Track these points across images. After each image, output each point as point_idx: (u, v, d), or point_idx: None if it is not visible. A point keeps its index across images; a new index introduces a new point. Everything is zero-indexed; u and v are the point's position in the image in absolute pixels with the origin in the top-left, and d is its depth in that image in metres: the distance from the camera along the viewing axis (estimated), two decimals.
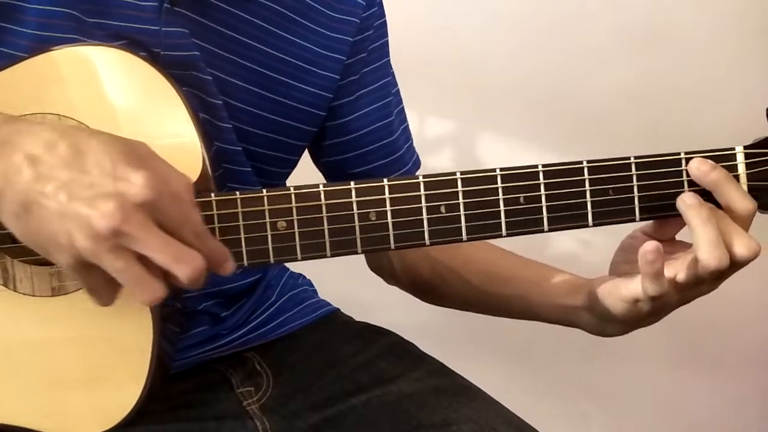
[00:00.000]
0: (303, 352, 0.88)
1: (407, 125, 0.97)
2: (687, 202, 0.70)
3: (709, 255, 0.68)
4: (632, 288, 0.71)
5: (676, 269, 0.70)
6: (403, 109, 0.96)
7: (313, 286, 0.98)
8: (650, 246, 0.66)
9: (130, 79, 0.68)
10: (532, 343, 1.51)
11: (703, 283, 0.70)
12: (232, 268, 0.63)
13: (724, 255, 0.68)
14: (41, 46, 0.69)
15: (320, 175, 0.95)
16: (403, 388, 0.83)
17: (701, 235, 0.68)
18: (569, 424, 1.66)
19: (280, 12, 0.81)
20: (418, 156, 0.97)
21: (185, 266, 0.58)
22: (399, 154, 0.93)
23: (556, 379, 1.65)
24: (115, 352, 0.69)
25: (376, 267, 0.99)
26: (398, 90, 0.95)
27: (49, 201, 0.57)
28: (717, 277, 0.70)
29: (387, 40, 0.92)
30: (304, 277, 0.98)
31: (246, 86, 0.80)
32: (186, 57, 0.76)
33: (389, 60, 0.93)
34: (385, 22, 0.92)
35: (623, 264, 0.77)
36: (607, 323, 0.77)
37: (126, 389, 0.69)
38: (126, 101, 0.68)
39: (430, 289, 0.94)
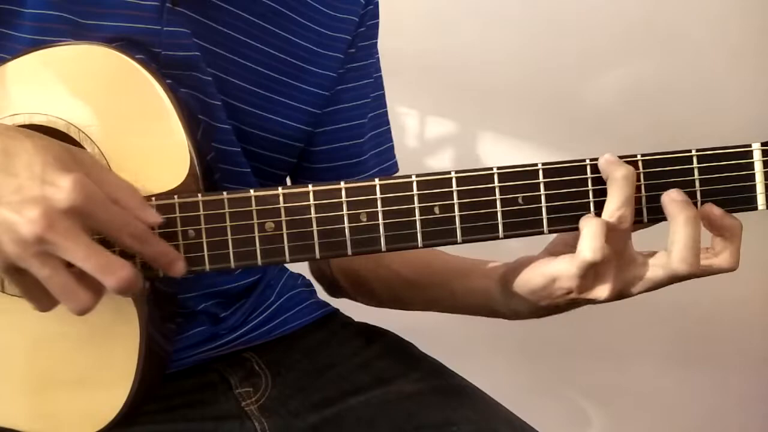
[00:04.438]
0: (302, 352, 0.82)
1: (383, 132, 0.89)
2: (673, 196, 0.61)
3: (683, 258, 0.59)
4: (556, 264, 0.63)
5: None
6: (381, 115, 0.89)
7: (312, 287, 0.92)
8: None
9: (117, 78, 0.63)
10: (532, 343, 1.45)
11: (659, 285, 0.62)
12: (182, 269, 0.59)
13: (697, 262, 0.60)
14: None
15: None
16: (403, 389, 0.77)
17: (680, 235, 0.60)
18: (569, 424, 1.60)
19: (281, 12, 0.76)
20: (391, 166, 0.90)
21: (110, 277, 0.54)
22: (361, 159, 0.86)
23: (556, 379, 1.59)
24: (103, 353, 0.64)
25: (317, 273, 0.93)
26: (381, 95, 0.89)
27: None
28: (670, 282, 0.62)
29: (375, 42, 0.86)
30: (304, 277, 0.92)
31: (248, 87, 0.75)
32: (186, 57, 0.70)
33: (375, 62, 0.87)
34: (377, 23, 0.86)
35: (560, 245, 0.68)
36: (519, 299, 0.68)
37: (115, 390, 0.64)
38: (112, 101, 0.63)
39: (367, 287, 0.87)
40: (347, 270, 0.88)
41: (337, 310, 0.89)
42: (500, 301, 0.71)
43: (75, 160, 0.55)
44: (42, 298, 0.56)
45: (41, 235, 0.52)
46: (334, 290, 0.93)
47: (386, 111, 0.89)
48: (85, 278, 0.54)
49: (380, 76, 0.88)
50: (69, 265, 0.54)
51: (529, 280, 0.65)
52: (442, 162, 1.50)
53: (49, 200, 0.52)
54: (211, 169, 0.67)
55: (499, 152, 1.51)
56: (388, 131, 0.90)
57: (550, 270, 0.63)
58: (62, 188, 0.53)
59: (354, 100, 0.84)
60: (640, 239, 0.64)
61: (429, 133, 1.49)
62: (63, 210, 0.53)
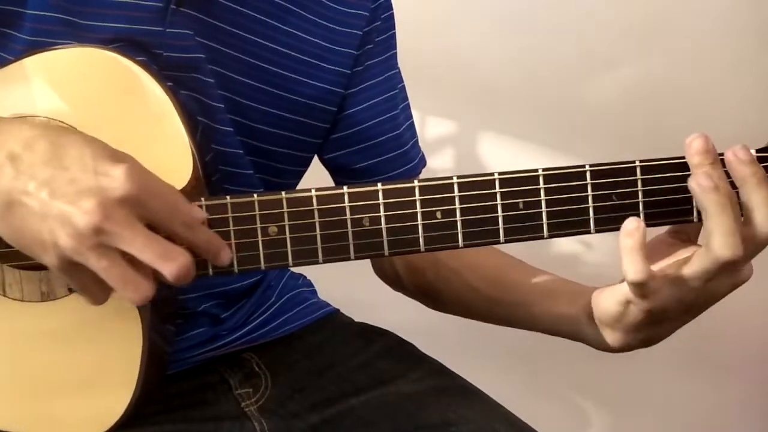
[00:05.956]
0: (302, 352, 0.82)
1: (413, 122, 0.89)
2: (703, 184, 0.57)
3: (723, 244, 0.56)
4: (625, 288, 0.60)
5: (687, 263, 0.59)
6: (408, 106, 0.89)
7: (312, 287, 0.92)
8: (631, 223, 0.57)
9: (118, 81, 0.62)
10: (532, 344, 1.44)
11: (712, 279, 0.59)
12: (229, 258, 0.58)
13: (739, 245, 0.57)
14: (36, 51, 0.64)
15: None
16: (403, 389, 0.77)
17: (717, 223, 0.56)
18: (569, 425, 1.60)
19: (287, 8, 0.75)
20: (423, 155, 0.90)
21: (170, 264, 0.53)
22: (405, 149, 0.86)
23: (556, 379, 1.59)
24: (105, 356, 0.64)
25: (380, 272, 0.91)
26: (404, 86, 0.88)
27: (31, 199, 0.52)
28: (727, 271, 0.58)
29: (394, 33, 0.85)
30: (305, 277, 0.92)
31: (255, 84, 0.75)
32: (189, 59, 0.70)
33: (395, 53, 0.86)
34: (392, 14, 0.85)
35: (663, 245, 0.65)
36: (606, 330, 0.66)
37: (117, 393, 0.63)
38: (113, 103, 0.62)
39: (434, 293, 0.85)
40: (419, 279, 0.85)
41: (338, 310, 0.89)
42: (588, 332, 0.68)
43: (118, 151, 0.55)
44: (97, 292, 0.56)
45: (98, 226, 0.51)
46: (397, 286, 0.90)
47: (409, 103, 0.88)
48: (141, 268, 0.54)
49: (399, 68, 0.87)
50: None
51: (607, 308, 0.63)
52: (443, 162, 1.50)
53: (104, 190, 0.52)
54: (211, 170, 0.66)
55: (499, 153, 1.50)
56: (413, 122, 0.89)
57: (623, 292, 0.60)
58: (115, 178, 0.52)
59: (384, 93, 0.83)
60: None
61: (429, 133, 1.49)
62: (118, 199, 0.52)
